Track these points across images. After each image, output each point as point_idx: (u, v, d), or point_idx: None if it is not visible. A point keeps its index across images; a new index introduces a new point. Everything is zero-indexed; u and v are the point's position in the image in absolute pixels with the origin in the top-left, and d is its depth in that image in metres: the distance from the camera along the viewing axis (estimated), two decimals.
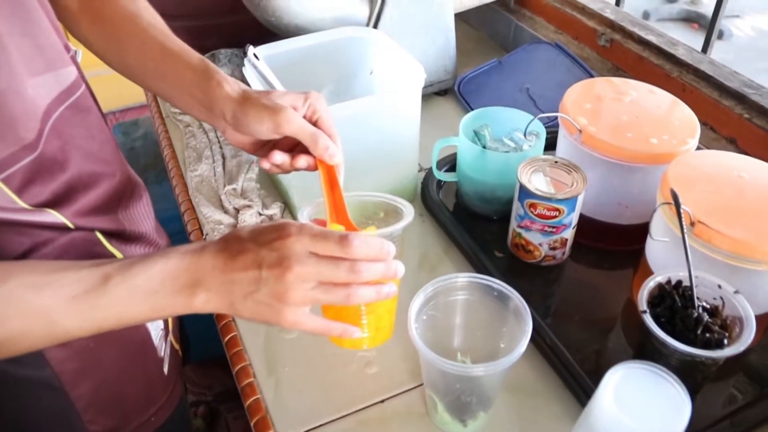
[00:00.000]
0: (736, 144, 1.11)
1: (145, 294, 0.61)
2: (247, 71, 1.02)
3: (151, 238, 0.90)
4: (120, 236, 0.83)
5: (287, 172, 0.79)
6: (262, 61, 1.03)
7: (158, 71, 0.81)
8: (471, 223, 1.06)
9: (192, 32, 1.41)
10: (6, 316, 0.59)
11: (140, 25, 0.82)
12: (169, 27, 1.47)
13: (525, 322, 0.71)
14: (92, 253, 0.79)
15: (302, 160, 0.76)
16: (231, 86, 0.76)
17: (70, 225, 0.74)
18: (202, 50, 1.28)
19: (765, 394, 0.83)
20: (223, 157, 1.18)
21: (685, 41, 1.25)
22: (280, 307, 0.61)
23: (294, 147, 0.79)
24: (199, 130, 1.25)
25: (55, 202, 0.72)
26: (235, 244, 0.63)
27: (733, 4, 4.36)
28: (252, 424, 0.82)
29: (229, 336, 0.91)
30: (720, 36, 4.08)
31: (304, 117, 0.76)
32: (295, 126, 0.73)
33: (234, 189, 1.10)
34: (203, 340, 1.20)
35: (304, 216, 0.67)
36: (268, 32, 1.23)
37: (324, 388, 0.84)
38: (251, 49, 1.02)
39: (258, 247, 0.62)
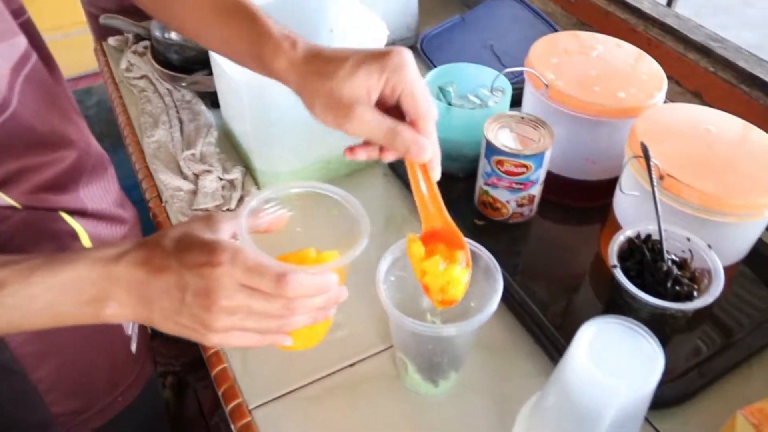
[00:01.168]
0: (701, 97, 1.10)
1: (45, 304, 0.54)
2: None
3: (115, 214, 0.87)
4: (83, 214, 0.80)
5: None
6: None
7: (215, 36, 0.71)
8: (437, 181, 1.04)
9: None
10: None
11: None
12: None
13: (496, 281, 0.70)
14: (52, 230, 0.76)
15: (390, 156, 0.66)
16: (288, 57, 0.63)
17: (17, 206, 0.70)
18: None
19: (730, 344, 0.84)
20: (181, 122, 1.14)
21: None
22: (204, 332, 0.55)
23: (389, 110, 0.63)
24: (154, 94, 1.21)
25: (3, 182, 0.68)
26: (157, 258, 0.54)
27: None
28: (220, 394, 0.80)
29: None
30: None
31: (384, 96, 0.61)
32: (366, 128, 0.61)
33: (193, 154, 1.06)
34: None
35: (245, 213, 0.59)
36: None
37: (292, 354, 0.82)
38: None
39: (183, 268, 0.53)
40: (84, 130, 0.83)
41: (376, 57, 0.60)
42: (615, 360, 0.58)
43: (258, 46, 0.65)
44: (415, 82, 0.61)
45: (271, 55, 0.64)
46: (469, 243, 0.73)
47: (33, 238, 0.74)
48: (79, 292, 0.54)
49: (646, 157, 0.75)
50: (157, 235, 0.57)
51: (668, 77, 1.10)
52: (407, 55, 0.61)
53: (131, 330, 0.91)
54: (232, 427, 0.77)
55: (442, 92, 1.03)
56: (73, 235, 0.79)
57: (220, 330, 0.55)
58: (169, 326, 0.56)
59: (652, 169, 0.75)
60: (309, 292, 0.56)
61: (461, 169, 1.04)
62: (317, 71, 0.61)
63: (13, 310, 0.54)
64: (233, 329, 0.56)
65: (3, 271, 0.54)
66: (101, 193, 0.85)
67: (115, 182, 0.91)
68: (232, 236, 0.59)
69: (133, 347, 0.91)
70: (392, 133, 0.61)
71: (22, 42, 0.71)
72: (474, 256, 0.72)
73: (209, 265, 0.53)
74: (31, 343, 0.76)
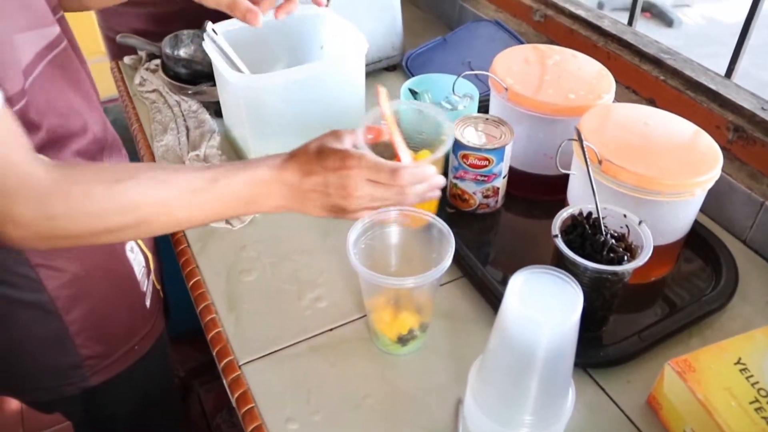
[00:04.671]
0: (654, 104, 1.22)
1: (239, 197, 0.76)
2: (207, 46, 1.11)
3: None
4: None
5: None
6: (221, 36, 1.12)
7: None
8: None
9: (157, 18, 1.50)
10: (136, 205, 0.70)
11: None
12: (135, 13, 1.56)
13: (448, 242, 0.81)
14: None
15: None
16: None
17: None
18: (167, 33, 1.37)
19: (671, 313, 0.94)
20: (187, 129, 1.27)
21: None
22: (343, 214, 0.80)
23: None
24: (164, 105, 1.34)
25: (42, 148, 0.81)
26: (306, 165, 0.78)
27: None
28: (214, 354, 0.91)
29: (193, 280, 1.00)
30: (670, 24, 4.24)
31: None
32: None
33: (197, 155, 1.19)
34: (177, 315, 1.26)
35: (361, 129, 0.83)
36: (227, 16, 1.32)
37: (279, 320, 0.94)
38: (210, 25, 1.11)
39: (325, 171, 0.77)
40: (102, 113, 0.97)
41: None
42: (542, 300, 0.68)
43: None
44: None
45: None
46: (427, 215, 0.84)
47: None
48: (260, 188, 0.77)
49: (580, 139, 0.87)
50: (301, 147, 0.80)
51: (625, 87, 1.23)
52: None
53: (146, 288, 1.03)
54: (224, 381, 0.87)
55: (415, 97, 1.15)
56: None
57: (355, 210, 0.80)
58: (317, 212, 0.80)
59: (586, 151, 0.86)
60: (415, 180, 0.79)
61: None
62: None
63: (219, 202, 0.76)
64: (363, 209, 0.80)
65: (213, 171, 0.75)
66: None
67: (128, 161, 1.04)
68: (353, 145, 0.81)
69: (147, 303, 1.03)
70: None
71: (53, 32, 0.84)
72: (429, 225, 0.84)
73: (344, 168, 0.77)
74: (65, 287, 0.88)
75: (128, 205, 0.69)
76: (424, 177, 0.80)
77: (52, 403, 0.98)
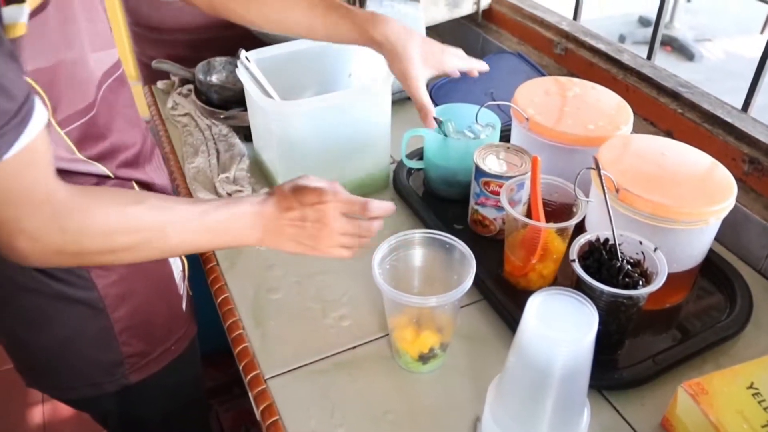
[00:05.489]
0: (672, 136, 1.25)
1: (223, 229, 0.82)
2: (240, 72, 1.16)
3: (168, 188, 1.06)
4: (149, 186, 0.98)
5: None
6: (253, 64, 1.17)
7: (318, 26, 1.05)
8: (437, 204, 1.19)
9: (190, 45, 1.56)
10: (139, 227, 0.75)
11: None
12: (169, 39, 1.63)
13: (469, 265, 0.84)
14: None
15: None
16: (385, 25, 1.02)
17: (111, 175, 0.91)
18: (200, 60, 1.43)
19: (685, 339, 0.96)
20: (218, 152, 1.32)
21: (658, 62, 1.39)
22: (316, 245, 0.86)
23: None
24: (195, 129, 1.39)
25: (102, 157, 0.88)
26: (284, 201, 0.85)
27: (705, 28, 4.57)
28: (241, 368, 0.94)
29: (221, 297, 1.04)
30: (692, 58, 4.26)
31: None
32: (451, 64, 1.10)
33: (227, 177, 1.24)
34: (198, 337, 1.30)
35: (503, 192, 0.99)
36: (260, 43, 1.37)
37: (304, 337, 0.97)
38: (243, 53, 1.16)
39: (302, 206, 0.84)
40: (143, 127, 1.03)
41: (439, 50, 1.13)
42: (559, 319, 0.71)
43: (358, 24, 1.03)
44: (452, 58, 1.15)
45: (371, 27, 1.02)
46: (446, 236, 0.88)
47: None
48: (243, 221, 0.83)
49: (598, 169, 0.90)
50: (277, 187, 0.88)
51: (644, 119, 1.26)
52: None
53: (182, 291, 1.07)
54: (250, 394, 0.91)
55: (439, 126, 1.19)
56: None
57: (328, 246, 0.86)
58: (291, 246, 0.86)
59: (604, 179, 0.90)
60: (381, 212, 0.88)
61: (457, 194, 1.19)
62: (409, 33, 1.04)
63: (208, 232, 0.81)
64: (335, 246, 0.87)
65: (203, 205, 0.81)
66: (157, 169, 1.05)
67: (163, 164, 1.10)
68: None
69: (183, 306, 1.08)
70: (425, 109, 1.05)
71: (116, 53, 0.92)
72: (452, 248, 0.87)
73: (321, 203, 0.84)
74: (114, 285, 0.93)
75: (133, 226, 0.75)
76: (388, 212, 0.89)
77: (92, 400, 1.02)
